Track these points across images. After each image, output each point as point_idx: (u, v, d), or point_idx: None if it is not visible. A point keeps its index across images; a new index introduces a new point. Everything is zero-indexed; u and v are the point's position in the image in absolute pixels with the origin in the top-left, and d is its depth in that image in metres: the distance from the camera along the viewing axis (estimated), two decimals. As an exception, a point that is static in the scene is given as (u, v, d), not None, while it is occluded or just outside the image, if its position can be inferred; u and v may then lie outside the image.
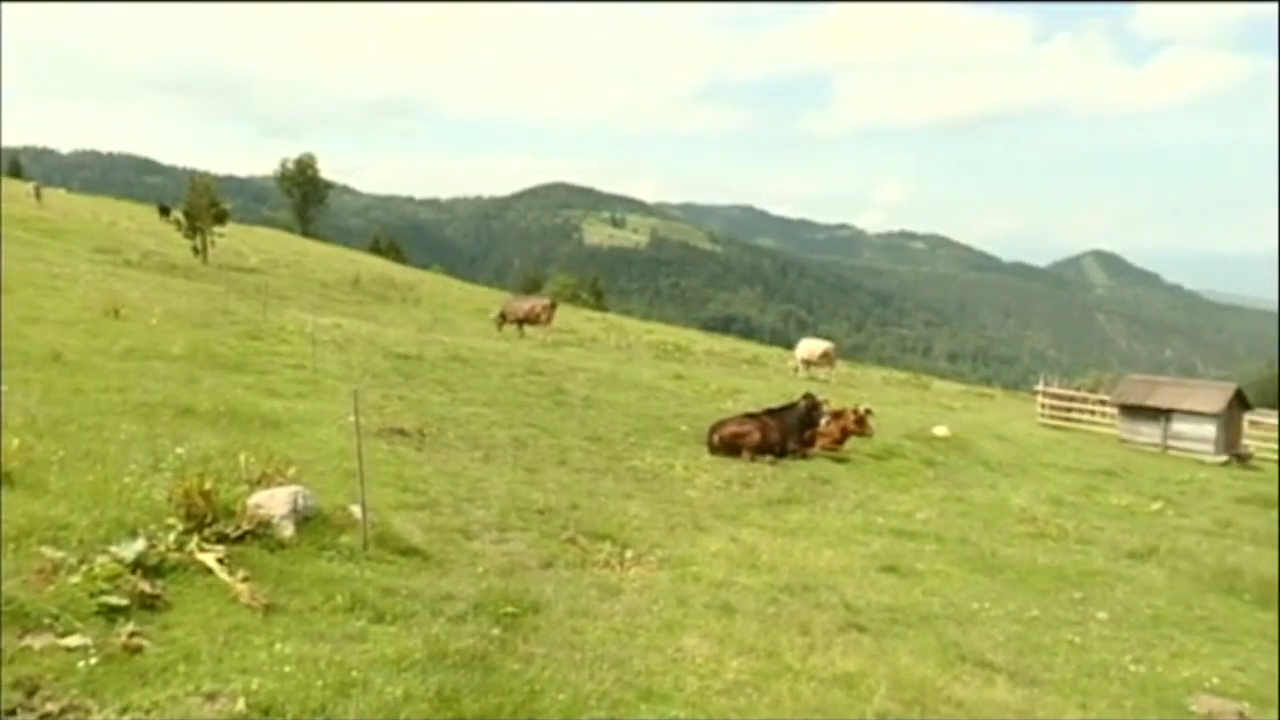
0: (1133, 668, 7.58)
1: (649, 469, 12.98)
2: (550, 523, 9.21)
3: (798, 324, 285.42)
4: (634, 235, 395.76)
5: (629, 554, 8.51)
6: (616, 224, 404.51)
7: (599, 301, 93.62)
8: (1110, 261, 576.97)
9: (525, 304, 35.65)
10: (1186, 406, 28.11)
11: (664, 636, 6.62)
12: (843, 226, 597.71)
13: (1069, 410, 34.10)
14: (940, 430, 20.54)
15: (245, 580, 5.78)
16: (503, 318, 34.21)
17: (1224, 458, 27.02)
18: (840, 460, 16.06)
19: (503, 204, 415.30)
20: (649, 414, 17.60)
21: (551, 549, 8.38)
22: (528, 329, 33.89)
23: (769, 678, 6.10)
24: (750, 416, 15.89)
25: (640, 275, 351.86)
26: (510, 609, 6.46)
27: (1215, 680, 7.50)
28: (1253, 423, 30.66)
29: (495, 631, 6.03)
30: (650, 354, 35.91)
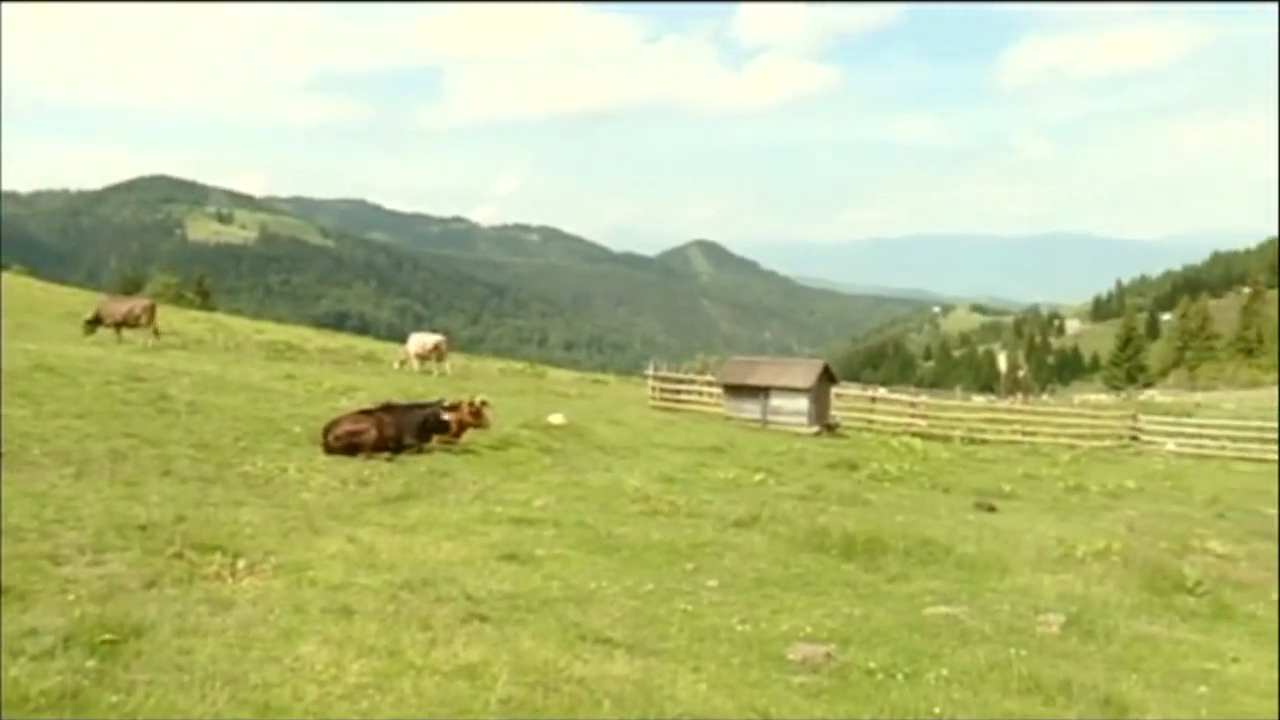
0: (739, 628, 8.08)
1: (261, 474, 12.45)
2: (154, 538, 8.60)
3: (414, 318, 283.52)
4: (242, 231, 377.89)
5: (241, 564, 8.11)
6: (223, 219, 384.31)
7: (205, 301, 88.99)
8: (713, 251, 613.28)
9: (123, 305, 33.22)
10: (782, 383, 30.39)
11: (281, 646, 6.36)
12: (457, 220, 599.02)
13: (678, 392, 35.96)
14: (556, 418, 21.07)
15: None
16: (97, 321, 31.62)
17: (816, 428, 29.47)
18: (458, 453, 16.10)
19: (95, 198, 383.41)
20: (260, 416, 16.89)
21: (156, 566, 7.83)
22: (126, 332, 31.60)
23: (391, 676, 6.01)
24: (365, 413, 15.62)
25: (249, 272, 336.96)
26: (108, 637, 5.97)
27: (809, 629, 8.15)
28: (838, 395, 33.60)
29: (90, 664, 5.57)
30: (261, 354, 34.50)
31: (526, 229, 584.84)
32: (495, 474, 14.72)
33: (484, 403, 17.68)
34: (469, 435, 17.03)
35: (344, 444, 14.61)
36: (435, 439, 16.30)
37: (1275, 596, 11.38)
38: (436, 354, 36.36)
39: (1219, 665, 8.34)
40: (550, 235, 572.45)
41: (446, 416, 16.48)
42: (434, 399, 17.21)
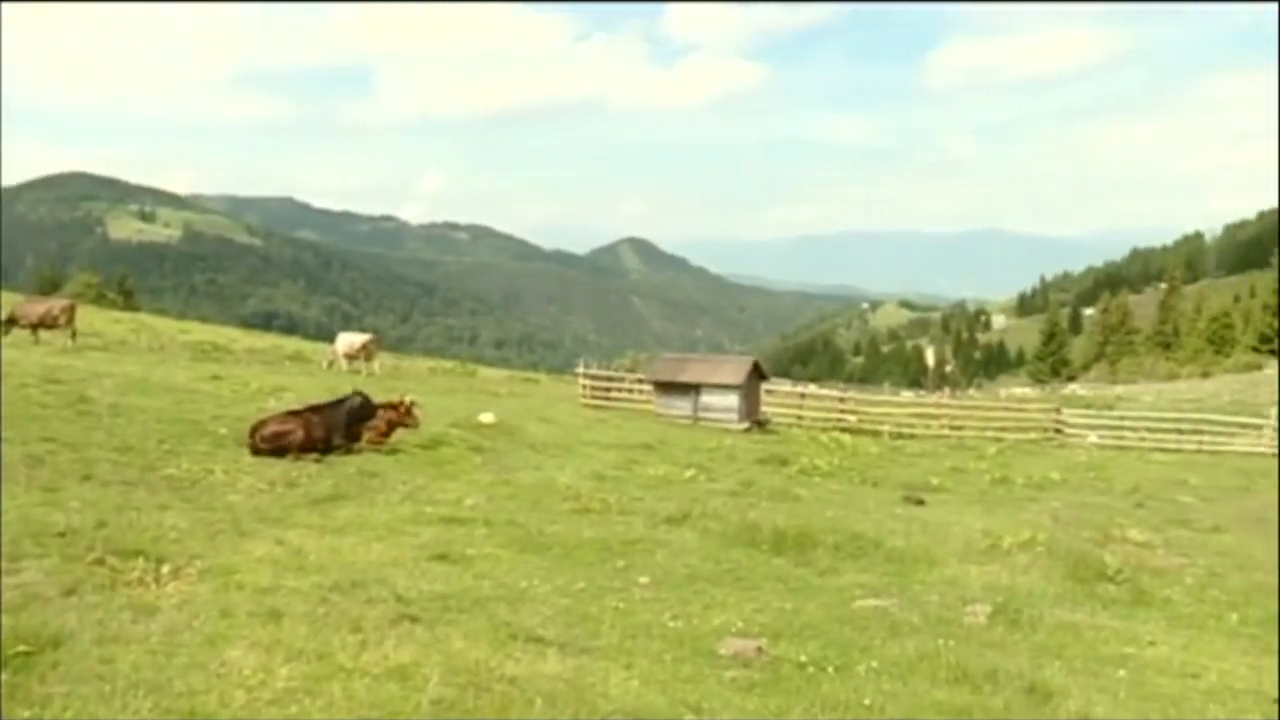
0: (671, 624, 8.11)
1: (186, 476, 12.22)
2: (74, 545, 8.40)
3: (343, 318, 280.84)
4: (166, 229, 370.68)
5: (165, 569, 7.96)
6: (146, 218, 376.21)
7: (128, 301, 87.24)
8: (644, 248, 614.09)
9: (40, 306, 32.47)
10: (713, 380, 30.54)
11: (207, 652, 6.26)
12: (387, 218, 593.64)
13: (609, 390, 36.01)
14: (487, 417, 20.98)
15: None
16: (12, 322, 30.84)
17: (746, 425, 29.64)
18: (388, 453, 15.94)
19: (10, 195, 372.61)
20: (185, 418, 16.59)
21: (76, 574, 7.65)
22: (43, 334, 30.86)
23: (321, 680, 5.95)
24: (293, 414, 15.40)
25: (174, 272, 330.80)
26: (23, 648, 5.82)
27: (740, 624, 8.21)
28: (768, 391, 33.85)
29: (3, 677, 5.44)
30: (186, 355, 33.92)
31: (456, 227, 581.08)
32: (425, 474, 14.61)
33: (414, 402, 17.54)
34: (398, 435, 16.87)
35: (271, 445, 14.39)
36: (365, 439, 16.11)
37: (1190, 581, 11.70)
38: (365, 353, 36.02)
39: (1137, 649, 8.58)
40: (480, 233, 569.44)
41: (377, 402, 16.32)
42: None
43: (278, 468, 13.51)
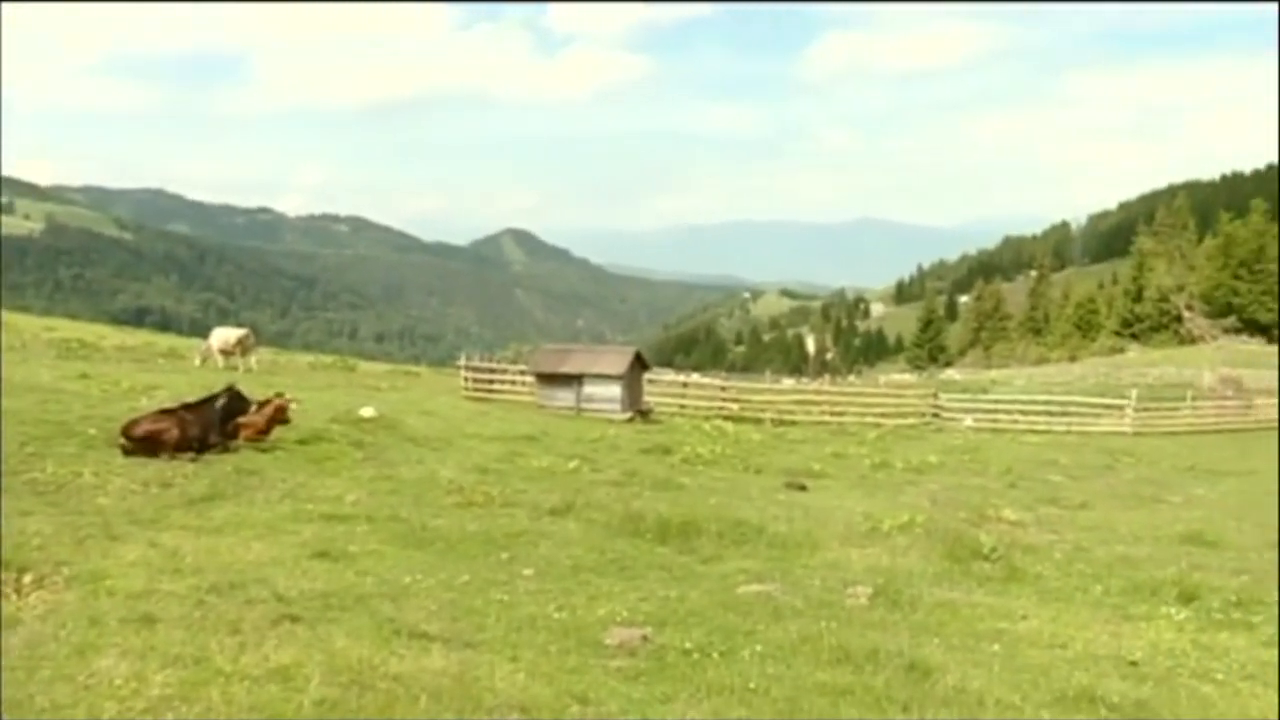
0: (556, 615, 8.10)
1: (52, 480, 11.76)
2: (-73, 558, 8.03)
3: (219, 312, 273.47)
4: (26, 222, 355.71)
5: (28, 578, 7.65)
6: (4, 210, 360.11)
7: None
8: (525, 239, 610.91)
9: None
10: (595, 371, 30.56)
11: (75, 663, 6.03)
12: (263, 210, 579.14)
13: (491, 382, 35.79)
14: (367, 411, 20.65)
15: None
16: None
17: (629, 415, 29.74)
18: (267, 450, 15.58)
19: None
20: (50, 419, 15.93)
21: (-71, 588, 7.32)
22: (-108, 334, 29.47)
23: (198, 685, 5.79)
24: (167, 412, 14.92)
25: (36, 267, 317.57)
26: None
27: (625, 613, 8.24)
28: (650, 380, 34.01)
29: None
30: (51, 353, 32.66)
31: (335, 219, 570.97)
32: (305, 470, 14.32)
33: (291, 398, 17.18)
34: (278, 432, 16.50)
35: (144, 445, 13.94)
36: (243, 436, 15.71)
37: (1058, 556, 12.13)
38: (241, 348, 35.14)
39: (1010, 624, 8.88)
40: (360, 225, 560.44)
41: (253, 409, 15.95)
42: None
43: (151, 468, 13.09)
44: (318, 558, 9.28)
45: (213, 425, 15.07)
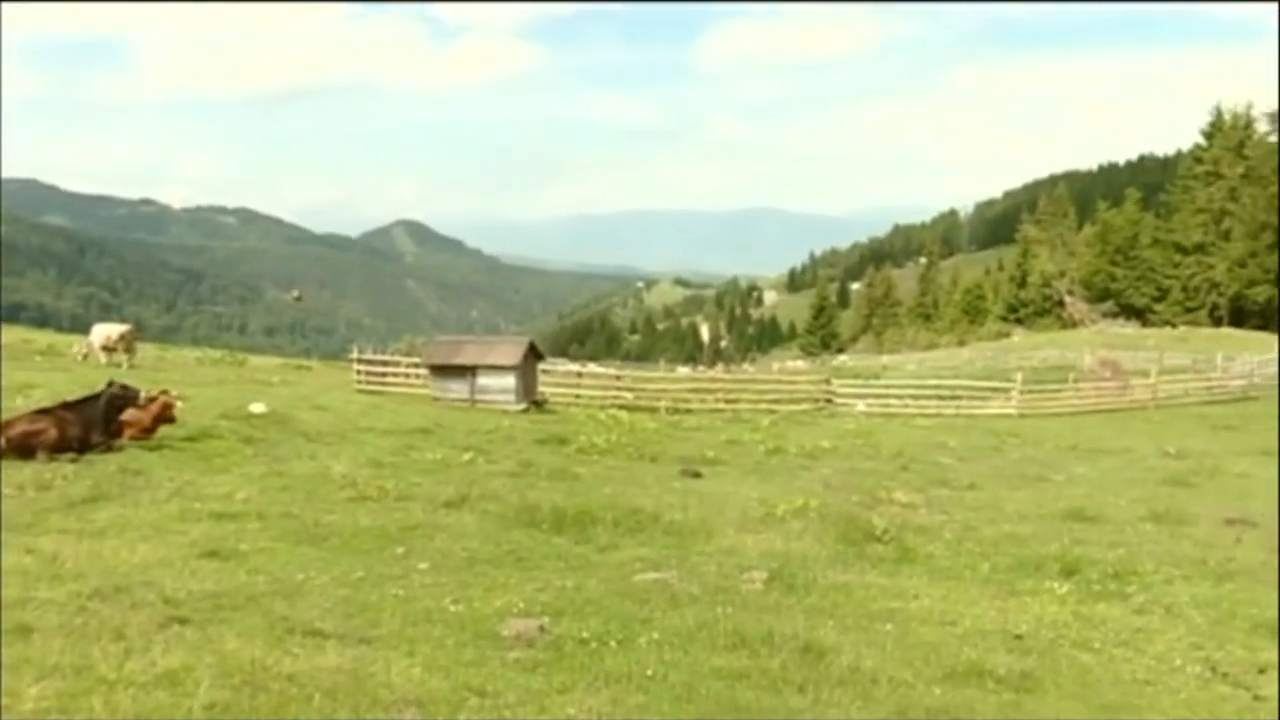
0: (453, 608, 8.05)
1: (-79, 487, 11.32)
2: None
3: (101, 308, 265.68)
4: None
5: (-109, 591, 7.33)
6: None
7: None
8: (417, 230, 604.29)
9: None
10: (489, 362, 30.39)
11: (-61, 681, 5.76)
12: (146, 202, 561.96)
13: (384, 375, 35.40)
14: (258, 407, 20.24)
15: None
16: None
17: (524, 405, 29.66)
18: (153, 449, 15.16)
19: None
20: (-82, 422, 15.31)
21: None
22: None
23: (79, 696, 5.59)
24: (43, 412, 14.43)
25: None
26: None
27: (522, 604, 8.23)
28: (545, 371, 33.96)
29: None
30: (-82, 353, 31.32)
31: (223, 211, 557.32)
32: (194, 468, 13.98)
33: (178, 395, 16.77)
34: (164, 430, 16.07)
35: (19, 447, 13.46)
36: (128, 435, 15.25)
37: (948, 536, 12.44)
38: (124, 344, 34.08)
39: (902, 603, 9.12)
40: (248, 217, 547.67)
41: (140, 395, 15.49)
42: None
43: (27, 470, 12.64)
44: (207, 557, 9.08)
45: (94, 424, 14.60)
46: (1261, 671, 7.53)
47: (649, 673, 6.68)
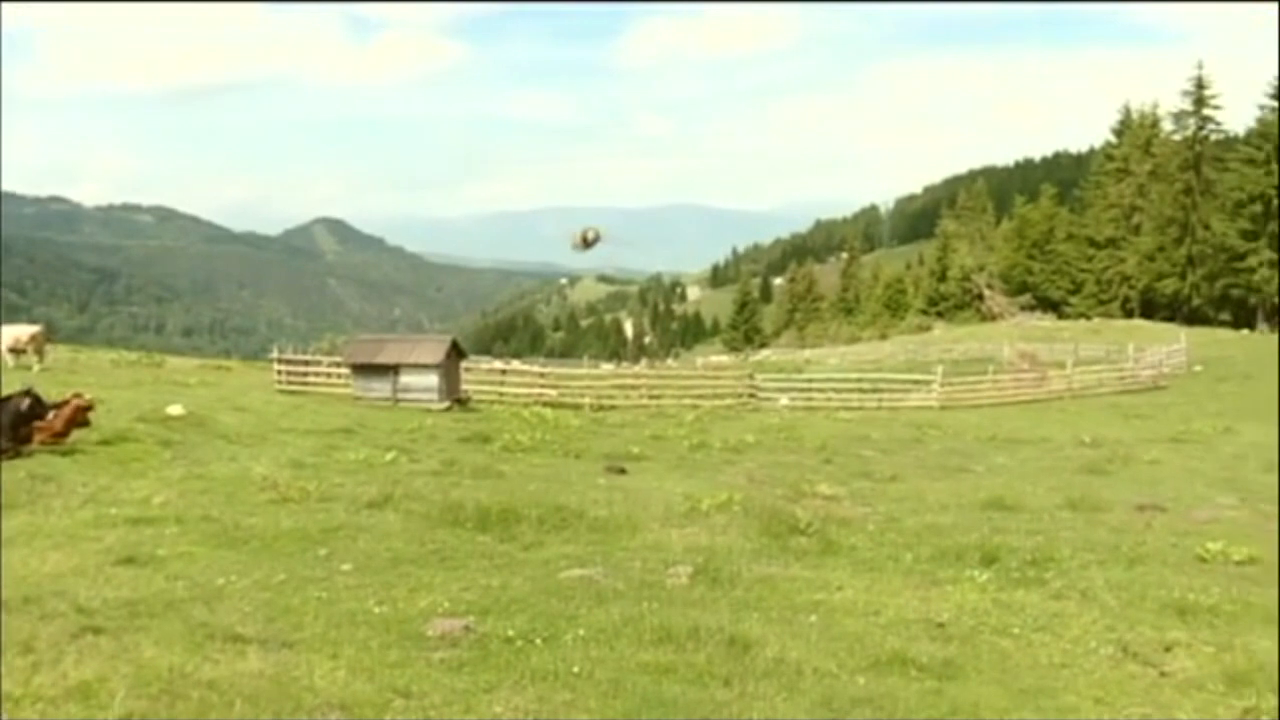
0: (377, 609, 7.98)
1: None
2: None
3: (9, 309, 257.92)
4: None
5: None
6: None
7: None
8: (338, 228, 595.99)
9: None
10: (411, 360, 30.16)
11: None
12: (56, 199, 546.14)
13: (305, 375, 34.95)
14: (176, 409, 19.86)
15: None
16: None
17: (447, 404, 29.48)
18: (65, 453, 14.80)
19: None
20: None
21: None
22: None
23: (-16, 711, 5.46)
24: (-53, 419, 14.03)
25: None
26: None
27: (447, 604, 8.19)
28: (468, 369, 33.81)
29: None
30: None
31: (138, 209, 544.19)
32: (109, 473, 13.68)
33: (90, 398, 16.36)
34: (77, 434, 15.67)
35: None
36: (37, 440, 14.85)
37: (871, 527, 12.61)
38: (34, 346, 33.18)
39: (827, 594, 9.22)
40: (165, 215, 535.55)
41: (51, 415, 15.08)
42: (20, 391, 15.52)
43: (-69, 479, 12.27)
44: (123, 564, 8.90)
45: (2, 430, 14.20)
46: (1168, 649, 7.77)
47: (575, 670, 6.69)
